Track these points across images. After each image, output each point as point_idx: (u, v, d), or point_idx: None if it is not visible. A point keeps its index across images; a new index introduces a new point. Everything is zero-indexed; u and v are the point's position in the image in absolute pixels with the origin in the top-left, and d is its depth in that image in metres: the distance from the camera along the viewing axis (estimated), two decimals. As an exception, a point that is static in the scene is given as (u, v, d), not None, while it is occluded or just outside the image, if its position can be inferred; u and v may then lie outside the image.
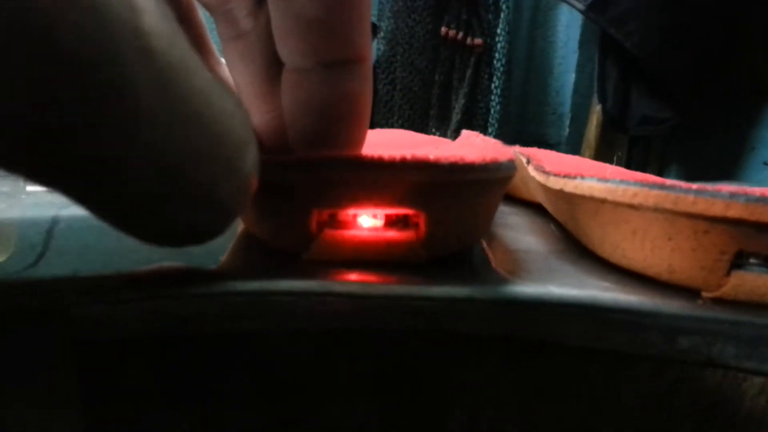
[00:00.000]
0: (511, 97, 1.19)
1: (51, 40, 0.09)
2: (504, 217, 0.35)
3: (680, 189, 0.19)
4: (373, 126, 1.13)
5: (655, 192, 0.20)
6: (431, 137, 0.46)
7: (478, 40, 1.03)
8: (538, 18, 1.27)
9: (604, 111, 1.11)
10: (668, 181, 0.19)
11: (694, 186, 0.19)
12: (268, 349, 0.19)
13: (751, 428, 0.20)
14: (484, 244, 0.25)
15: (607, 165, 0.45)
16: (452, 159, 0.19)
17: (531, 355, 0.20)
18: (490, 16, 1.07)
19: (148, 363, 0.18)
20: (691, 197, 0.19)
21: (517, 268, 0.23)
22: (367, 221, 0.20)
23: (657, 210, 0.20)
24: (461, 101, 1.05)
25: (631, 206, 0.20)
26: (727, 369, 0.20)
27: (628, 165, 1.17)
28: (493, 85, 1.08)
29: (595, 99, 1.16)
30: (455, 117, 1.05)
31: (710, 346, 0.19)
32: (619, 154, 1.11)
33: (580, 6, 0.93)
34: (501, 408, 0.21)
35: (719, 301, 0.20)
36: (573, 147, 1.23)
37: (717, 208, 0.18)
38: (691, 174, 1.25)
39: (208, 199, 0.13)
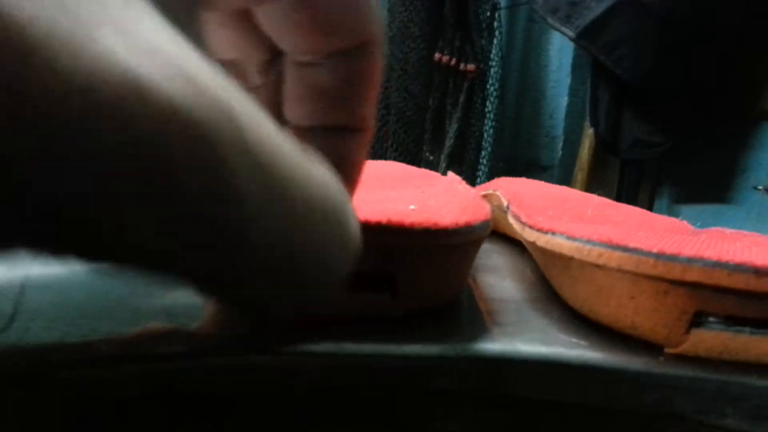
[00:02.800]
0: (505, 121, 1.20)
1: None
2: (487, 256, 0.36)
3: (642, 252, 0.20)
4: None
5: (618, 254, 0.21)
6: (423, 171, 0.47)
7: (471, 66, 1.05)
8: (531, 42, 1.29)
9: (597, 134, 1.13)
10: (632, 243, 0.20)
11: (655, 249, 0.20)
12: (251, 407, 0.20)
13: (713, 479, 0.21)
14: (473, 289, 0.26)
15: (592, 197, 0.46)
16: (426, 224, 0.20)
17: (503, 408, 0.21)
18: (483, 42, 1.08)
19: (136, 422, 0.19)
20: (651, 260, 0.20)
21: (492, 319, 0.24)
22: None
23: (620, 270, 0.21)
24: (454, 126, 1.07)
25: (597, 265, 0.21)
26: (689, 422, 0.21)
27: (620, 187, 1.18)
28: (486, 110, 1.10)
29: (587, 122, 1.17)
30: (449, 141, 1.07)
31: (671, 401, 0.20)
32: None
33: (571, 33, 0.95)
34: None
35: (681, 357, 0.21)
36: (566, 169, 1.24)
37: (676, 272, 0.19)
38: (683, 196, 1.26)
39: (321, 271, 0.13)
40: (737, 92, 1.14)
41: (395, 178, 0.42)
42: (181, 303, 0.22)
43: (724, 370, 0.20)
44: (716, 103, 1.13)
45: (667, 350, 0.21)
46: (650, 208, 1.33)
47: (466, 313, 0.24)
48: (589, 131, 1.16)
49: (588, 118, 1.15)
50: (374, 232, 0.19)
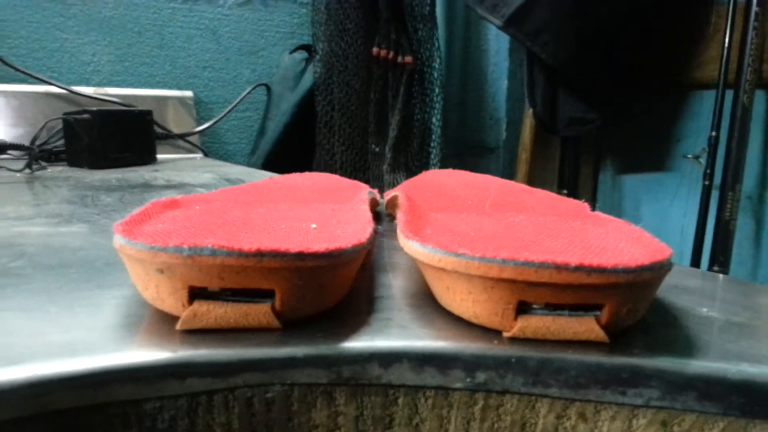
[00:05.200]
0: (450, 107, 1.24)
1: None
2: (394, 255, 0.40)
3: (468, 256, 0.24)
4: (313, 146, 1.17)
5: (452, 258, 0.24)
6: (350, 184, 0.51)
7: (408, 58, 1.08)
8: (471, 28, 1.32)
9: (535, 114, 1.17)
10: (461, 249, 0.24)
11: (478, 254, 0.24)
12: (140, 413, 0.23)
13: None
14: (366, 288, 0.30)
15: (512, 184, 0.51)
16: (299, 249, 0.24)
17: (371, 395, 0.25)
18: (420, 33, 1.12)
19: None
20: (475, 263, 0.24)
21: (366, 318, 0.27)
22: (233, 295, 0.25)
23: (456, 272, 0.25)
24: (397, 117, 1.10)
25: (441, 268, 0.25)
26: (520, 395, 0.25)
27: (562, 163, 1.23)
28: (427, 99, 1.14)
29: (527, 103, 1.22)
30: (392, 132, 1.11)
31: (503, 378, 0.24)
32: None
33: (498, 22, 0.98)
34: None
35: (514, 340, 0.25)
36: (511, 150, 1.29)
37: (494, 271, 0.23)
38: (625, 167, 1.32)
39: None
40: (666, 65, 1.19)
41: (322, 191, 0.47)
42: (86, 319, 0.25)
43: (546, 348, 0.25)
44: (645, 77, 1.18)
45: (504, 335, 0.25)
46: (595, 181, 1.39)
47: (345, 313, 0.27)
48: (529, 112, 1.21)
49: (526, 99, 1.19)
50: (254, 256, 0.23)
